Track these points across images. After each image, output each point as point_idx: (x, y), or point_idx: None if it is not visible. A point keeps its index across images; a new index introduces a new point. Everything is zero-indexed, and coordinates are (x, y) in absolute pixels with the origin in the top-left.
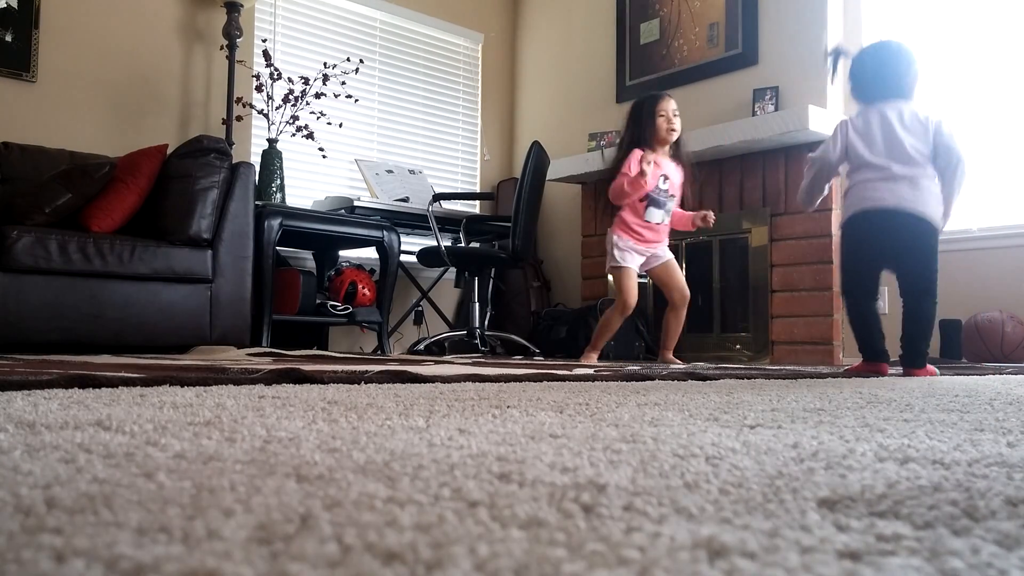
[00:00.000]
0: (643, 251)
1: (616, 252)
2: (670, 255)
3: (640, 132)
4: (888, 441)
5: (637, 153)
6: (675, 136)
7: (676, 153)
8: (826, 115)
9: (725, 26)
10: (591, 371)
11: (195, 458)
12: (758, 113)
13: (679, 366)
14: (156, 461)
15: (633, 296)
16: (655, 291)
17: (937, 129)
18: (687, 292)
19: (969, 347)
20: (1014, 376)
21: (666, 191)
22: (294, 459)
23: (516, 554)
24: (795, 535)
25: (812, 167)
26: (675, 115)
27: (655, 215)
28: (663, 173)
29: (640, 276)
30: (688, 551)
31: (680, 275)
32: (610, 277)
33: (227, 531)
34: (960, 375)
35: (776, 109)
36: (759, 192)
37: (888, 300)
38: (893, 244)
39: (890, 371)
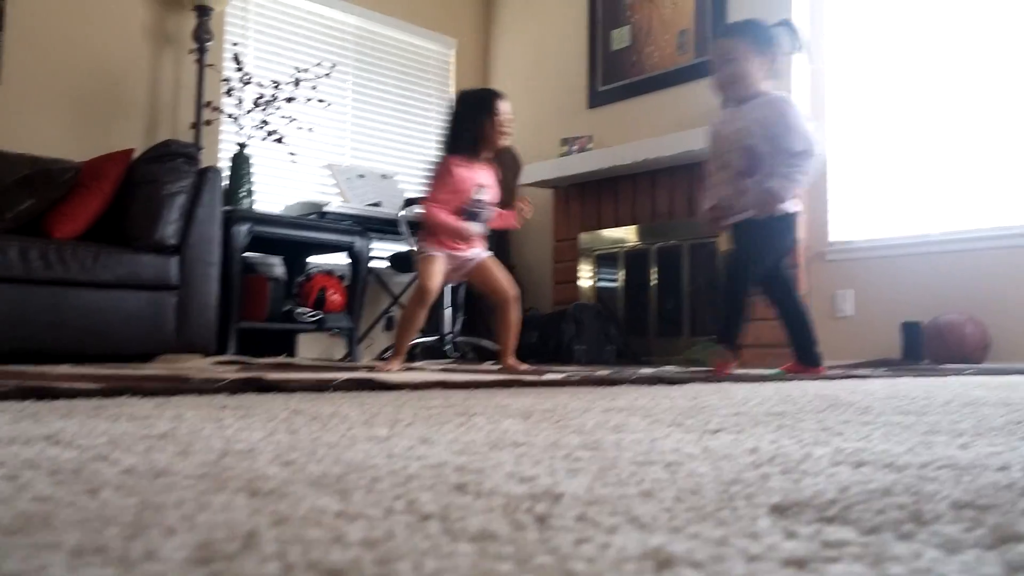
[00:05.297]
0: (456, 256)
1: (423, 246)
2: (486, 253)
3: (468, 129)
4: (845, 445)
5: (454, 165)
6: (504, 141)
7: (495, 156)
8: None
9: (695, 33)
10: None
11: (145, 473)
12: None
13: (526, 368)
14: (103, 477)
15: (435, 280)
16: (626, 293)
17: None
18: (510, 289)
19: (931, 348)
20: (973, 377)
21: (483, 201)
22: (248, 473)
23: (462, 569)
24: (743, 543)
25: None
26: (510, 118)
27: (474, 228)
28: (478, 183)
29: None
30: (635, 562)
31: (499, 272)
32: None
33: (166, 551)
34: (921, 376)
35: None
36: None
37: (852, 302)
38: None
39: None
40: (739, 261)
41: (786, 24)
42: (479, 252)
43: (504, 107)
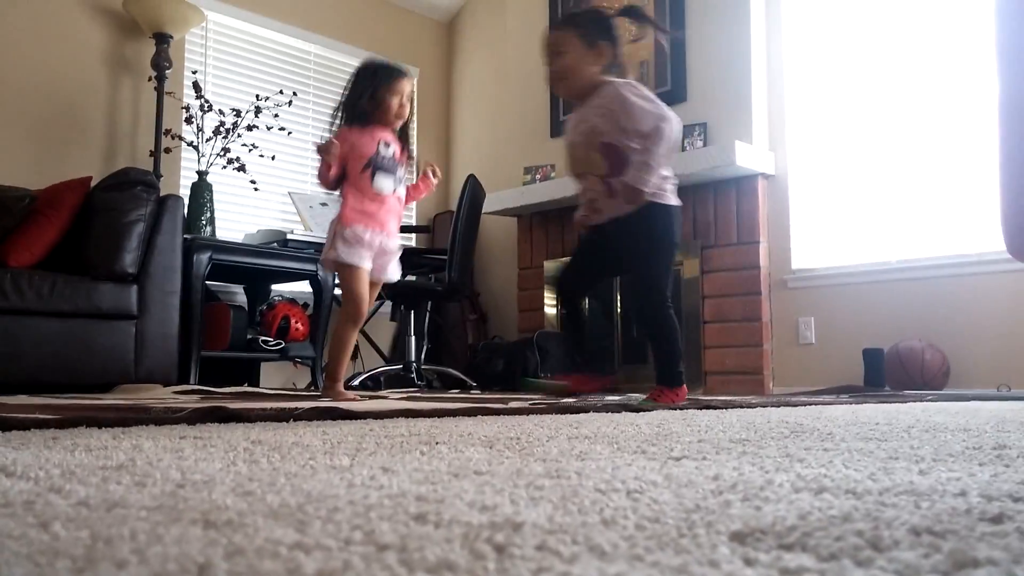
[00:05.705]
0: (371, 242)
1: (341, 244)
2: (394, 277)
3: (363, 100)
4: (806, 471)
5: (344, 135)
6: (401, 123)
7: (400, 138)
8: (752, 151)
9: (655, 64)
10: (360, 405)
11: (98, 505)
12: (687, 148)
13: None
14: (56, 509)
15: (366, 299)
16: (590, 321)
17: None
18: (365, 316)
19: (892, 375)
20: (934, 403)
21: (391, 157)
22: (204, 504)
23: None
24: (702, 571)
25: None
26: (408, 100)
27: (385, 183)
28: (382, 139)
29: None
30: None
31: (372, 298)
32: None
33: None
34: (883, 403)
35: (705, 145)
36: (690, 225)
37: (814, 329)
38: None
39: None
40: (642, 284)
41: (629, 11)
42: (395, 263)
43: (402, 87)
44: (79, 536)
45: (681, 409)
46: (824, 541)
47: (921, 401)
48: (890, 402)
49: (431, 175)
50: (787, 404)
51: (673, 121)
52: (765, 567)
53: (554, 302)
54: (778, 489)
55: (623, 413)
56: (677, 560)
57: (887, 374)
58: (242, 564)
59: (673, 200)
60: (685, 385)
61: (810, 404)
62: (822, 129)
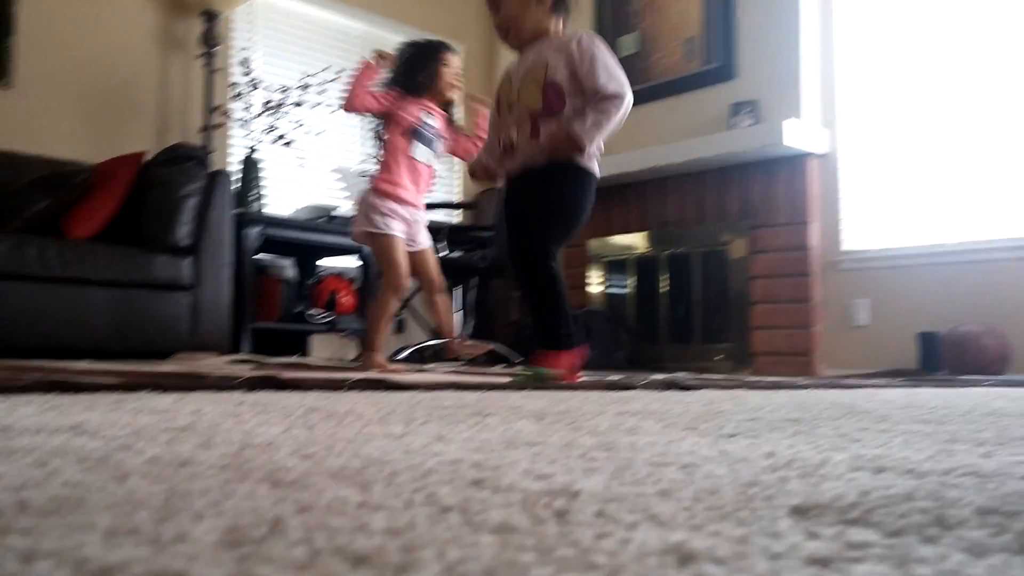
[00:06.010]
0: (405, 215)
1: (377, 217)
2: (428, 241)
3: (413, 76)
4: (863, 451)
5: (395, 94)
6: (453, 94)
7: (445, 113)
8: (803, 129)
9: (703, 40)
10: (401, 376)
11: (169, 463)
12: (736, 127)
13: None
14: (129, 465)
15: (407, 268)
16: (637, 299)
17: None
18: (439, 279)
19: (948, 359)
20: (993, 388)
21: (432, 127)
22: (269, 464)
23: (485, 558)
24: (765, 542)
25: None
26: (458, 73)
27: (423, 151)
28: (428, 110)
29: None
30: (657, 556)
31: (434, 263)
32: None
33: (196, 534)
34: (939, 387)
35: (755, 123)
36: (738, 204)
37: (866, 311)
38: None
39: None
40: (525, 229)
41: None
42: (424, 230)
43: (453, 60)
44: (155, 490)
45: (570, 384)
46: (888, 518)
47: (979, 386)
48: (946, 386)
49: (478, 104)
50: (838, 386)
51: (630, 97)
52: (829, 540)
53: (586, 281)
54: (835, 467)
55: (669, 391)
56: (738, 531)
57: (943, 358)
58: (313, 520)
59: (596, 167)
60: (574, 350)
61: (862, 386)
62: (876, 107)
